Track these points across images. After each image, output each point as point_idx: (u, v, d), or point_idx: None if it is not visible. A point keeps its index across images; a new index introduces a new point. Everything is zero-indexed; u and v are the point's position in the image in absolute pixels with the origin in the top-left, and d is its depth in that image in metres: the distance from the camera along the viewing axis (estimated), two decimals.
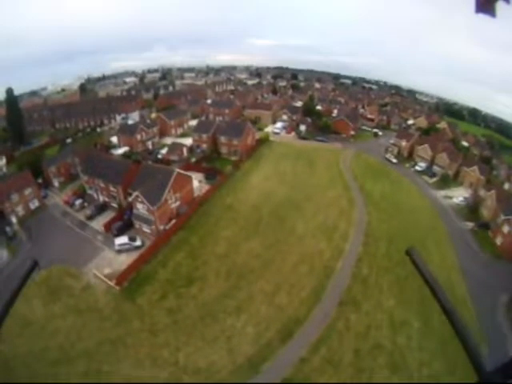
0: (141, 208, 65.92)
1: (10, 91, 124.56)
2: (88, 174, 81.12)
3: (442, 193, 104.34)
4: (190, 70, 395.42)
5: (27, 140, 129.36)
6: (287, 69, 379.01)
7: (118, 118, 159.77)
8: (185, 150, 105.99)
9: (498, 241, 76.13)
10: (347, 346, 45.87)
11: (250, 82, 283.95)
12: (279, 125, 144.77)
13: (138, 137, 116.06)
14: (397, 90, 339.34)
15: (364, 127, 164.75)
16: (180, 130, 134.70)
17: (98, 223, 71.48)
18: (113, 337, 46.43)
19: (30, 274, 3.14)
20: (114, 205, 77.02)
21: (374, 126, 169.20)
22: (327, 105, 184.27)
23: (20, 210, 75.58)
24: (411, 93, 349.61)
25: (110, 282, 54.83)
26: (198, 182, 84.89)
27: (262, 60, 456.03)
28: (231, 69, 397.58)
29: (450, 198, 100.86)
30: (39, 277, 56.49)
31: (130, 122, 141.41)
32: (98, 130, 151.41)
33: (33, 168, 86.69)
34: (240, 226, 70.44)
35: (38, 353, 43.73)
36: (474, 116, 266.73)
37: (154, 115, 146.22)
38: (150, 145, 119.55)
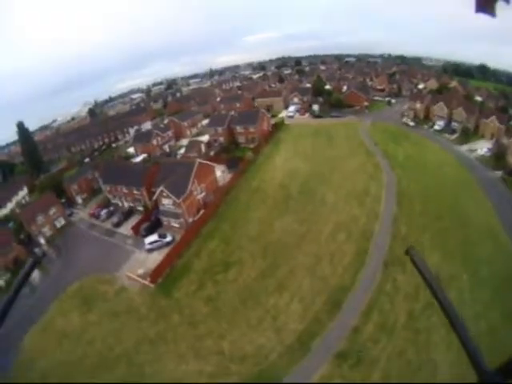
0: (167, 203, 64.21)
1: (20, 125, 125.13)
2: (109, 184, 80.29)
3: (465, 147, 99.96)
4: (194, 76, 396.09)
5: (46, 168, 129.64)
6: (290, 58, 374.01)
7: (132, 130, 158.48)
8: (203, 147, 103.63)
9: None
10: (399, 308, 42.83)
11: (255, 76, 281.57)
12: (292, 108, 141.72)
13: (154, 142, 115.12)
14: (402, 60, 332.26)
15: (376, 98, 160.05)
16: (194, 130, 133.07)
17: (126, 228, 70.10)
18: (151, 335, 44.61)
19: (30, 272, 2.90)
20: (140, 208, 75.81)
21: (385, 96, 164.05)
22: (336, 83, 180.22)
23: (47, 230, 75.50)
24: (417, 60, 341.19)
25: (144, 281, 53.28)
26: (220, 172, 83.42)
27: (264, 54, 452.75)
28: (234, 68, 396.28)
29: (474, 150, 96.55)
30: (71, 289, 56.29)
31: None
32: (114, 145, 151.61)
33: (55, 190, 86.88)
34: (270, 206, 68.11)
35: (75, 362, 42.26)
36: (483, 72, 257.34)
37: (166, 121, 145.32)
38: (167, 148, 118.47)
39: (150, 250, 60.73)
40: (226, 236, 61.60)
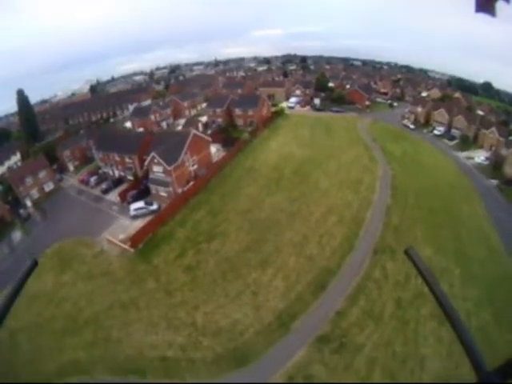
0: (157, 171, 61.85)
1: (20, 92, 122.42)
2: (102, 151, 77.83)
3: (463, 154, 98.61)
4: (199, 64, 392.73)
5: (41, 137, 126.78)
6: (296, 56, 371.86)
7: (131, 107, 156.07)
8: (200, 126, 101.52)
9: None
10: (387, 295, 40.47)
11: (259, 69, 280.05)
12: (293, 99, 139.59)
13: (152, 118, 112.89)
14: (408, 70, 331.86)
15: (379, 99, 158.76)
16: (194, 112, 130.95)
17: (114, 195, 68.03)
18: (124, 299, 42.11)
19: (30, 273, 2.86)
20: (130, 177, 73.47)
21: (388, 99, 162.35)
22: (339, 82, 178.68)
23: (35, 192, 73.61)
24: (423, 71, 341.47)
25: (124, 246, 50.81)
26: (215, 149, 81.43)
27: (270, 49, 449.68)
28: (240, 60, 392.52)
29: (472, 158, 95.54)
30: (50, 250, 54.04)
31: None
32: (112, 120, 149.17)
33: (47, 156, 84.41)
34: (262, 184, 65.65)
35: (44, 323, 40.14)
36: (488, 90, 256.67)
37: (167, 100, 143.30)
38: (164, 125, 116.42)
39: (135, 217, 58.42)
40: (213, 208, 59.15)
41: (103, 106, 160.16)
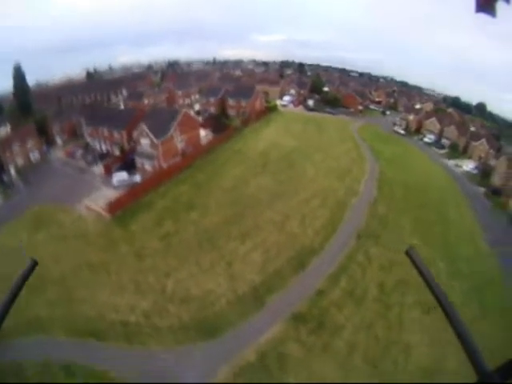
0: (144, 143, 60.62)
1: (17, 67, 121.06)
2: (92, 125, 76.45)
3: (452, 162, 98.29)
4: (198, 61, 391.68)
5: (33, 114, 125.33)
6: (293, 62, 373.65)
7: (125, 93, 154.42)
8: (192, 113, 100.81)
9: None
10: (370, 278, 38.98)
11: (257, 70, 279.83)
12: (287, 98, 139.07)
13: (146, 101, 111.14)
14: (404, 85, 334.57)
15: (372, 107, 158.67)
16: (188, 101, 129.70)
17: (99, 168, 66.30)
18: (94, 261, 40.40)
19: (29, 273, 3.02)
20: (117, 152, 71.93)
21: (381, 107, 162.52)
22: (335, 88, 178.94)
23: (20, 160, 71.55)
24: (418, 88, 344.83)
25: (101, 211, 49.42)
26: (205, 133, 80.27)
27: (269, 54, 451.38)
28: (238, 61, 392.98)
29: (460, 166, 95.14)
30: (27, 213, 52.21)
31: None
32: (105, 104, 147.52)
33: (37, 129, 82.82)
34: (248, 166, 64.56)
35: (8, 274, 38.35)
36: (481, 111, 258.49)
37: (162, 86, 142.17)
38: None
39: (117, 188, 56.63)
40: (197, 183, 57.84)
41: (98, 89, 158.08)
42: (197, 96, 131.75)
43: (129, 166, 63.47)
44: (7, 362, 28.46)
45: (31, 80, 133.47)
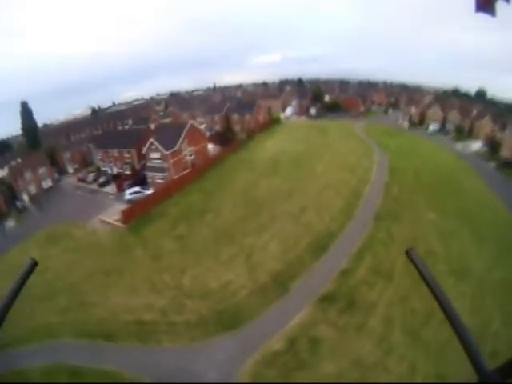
0: (154, 157, 61.68)
1: (24, 104, 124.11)
2: (102, 148, 78.37)
3: (459, 145, 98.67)
4: (198, 90, 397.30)
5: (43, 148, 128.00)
6: (292, 80, 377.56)
7: (131, 122, 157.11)
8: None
9: None
10: (396, 254, 37.30)
11: (256, 91, 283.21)
12: (289, 109, 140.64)
13: (152, 126, 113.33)
14: (403, 88, 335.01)
15: (373, 108, 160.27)
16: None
17: (111, 188, 67.61)
18: (108, 267, 40.06)
19: (29, 274, 2.77)
20: (128, 172, 73.19)
21: (383, 108, 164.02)
22: (335, 95, 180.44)
23: (32, 188, 73.15)
24: (418, 88, 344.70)
25: (115, 223, 49.93)
26: (212, 146, 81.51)
27: (267, 75, 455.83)
28: (238, 86, 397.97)
29: (469, 147, 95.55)
30: (41, 232, 52.81)
31: None
32: None
33: (48, 157, 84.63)
34: (258, 172, 64.81)
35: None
36: (482, 97, 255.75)
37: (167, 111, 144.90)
38: None
39: (130, 202, 56.94)
40: (209, 191, 58.30)
41: (104, 122, 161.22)
42: (202, 119, 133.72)
43: (141, 181, 64.32)
44: (10, 371, 27.53)
45: (38, 122, 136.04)
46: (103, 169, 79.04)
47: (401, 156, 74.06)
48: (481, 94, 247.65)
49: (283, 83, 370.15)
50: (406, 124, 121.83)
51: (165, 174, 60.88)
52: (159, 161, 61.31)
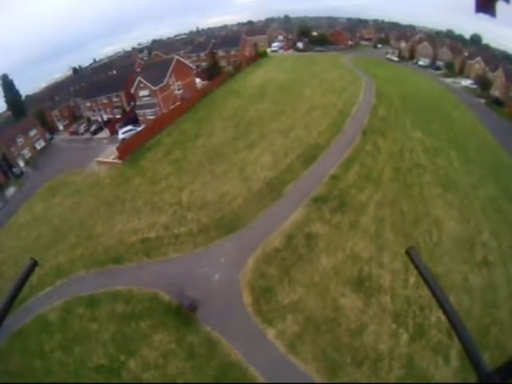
0: (143, 95, 62.79)
1: (5, 76, 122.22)
2: (90, 98, 78.59)
3: (449, 80, 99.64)
4: (181, 35, 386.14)
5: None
6: (279, 18, 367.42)
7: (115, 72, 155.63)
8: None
9: None
10: (383, 163, 40.43)
11: (242, 30, 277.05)
12: (276, 44, 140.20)
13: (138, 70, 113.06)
14: (395, 26, 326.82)
15: (363, 43, 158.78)
16: None
17: (104, 133, 69.17)
18: (110, 199, 42.22)
19: (29, 273, 2.76)
20: (119, 116, 73.93)
21: (372, 43, 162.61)
22: (323, 31, 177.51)
23: (27, 152, 73.21)
24: (411, 27, 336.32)
25: (112, 161, 51.84)
26: (199, 80, 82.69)
27: (253, 14, 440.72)
28: (222, 27, 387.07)
29: (459, 83, 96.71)
30: (41, 188, 54.46)
31: None
32: None
33: (37, 119, 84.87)
34: (246, 98, 66.32)
35: (30, 245, 39.18)
36: (477, 43, 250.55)
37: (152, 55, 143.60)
38: None
39: (124, 140, 57.88)
40: (199, 119, 60.14)
41: (88, 77, 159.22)
42: (188, 60, 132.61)
43: (132, 120, 65.48)
44: (32, 318, 28.80)
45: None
46: (94, 118, 79.64)
47: (389, 83, 75.48)
48: (475, 40, 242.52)
49: (269, 21, 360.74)
50: (395, 58, 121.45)
51: (155, 110, 62.15)
52: (148, 98, 62.36)
